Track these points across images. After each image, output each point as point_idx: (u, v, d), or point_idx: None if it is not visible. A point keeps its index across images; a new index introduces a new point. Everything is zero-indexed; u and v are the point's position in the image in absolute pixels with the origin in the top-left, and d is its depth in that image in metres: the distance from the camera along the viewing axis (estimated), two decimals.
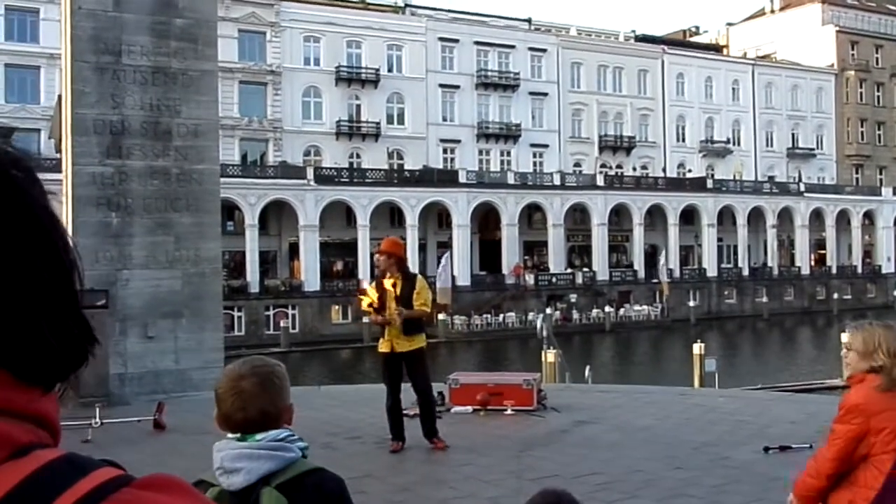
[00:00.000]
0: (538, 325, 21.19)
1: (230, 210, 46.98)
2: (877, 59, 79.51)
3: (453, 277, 51.25)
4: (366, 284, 8.92)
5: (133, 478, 0.64)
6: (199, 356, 13.72)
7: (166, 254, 13.63)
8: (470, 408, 10.84)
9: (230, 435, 2.37)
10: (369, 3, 63.25)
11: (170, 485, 0.64)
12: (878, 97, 79.05)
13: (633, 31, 75.25)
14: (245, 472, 2.26)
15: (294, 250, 53.94)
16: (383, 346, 8.91)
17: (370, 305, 8.82)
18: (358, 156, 58.53)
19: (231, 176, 44.35)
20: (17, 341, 0.65)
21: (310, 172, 52.68)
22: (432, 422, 8.89)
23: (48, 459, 0.62)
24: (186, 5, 13.98)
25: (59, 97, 15.17)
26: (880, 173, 78.45)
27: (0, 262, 0.65)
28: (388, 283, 8.84)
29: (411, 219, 55.11)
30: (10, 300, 0.65)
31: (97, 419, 9.70)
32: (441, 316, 51.04)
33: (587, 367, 22.28)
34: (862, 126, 77.80)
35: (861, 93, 77.92)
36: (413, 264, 54.60)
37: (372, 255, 54.89)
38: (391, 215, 56.84)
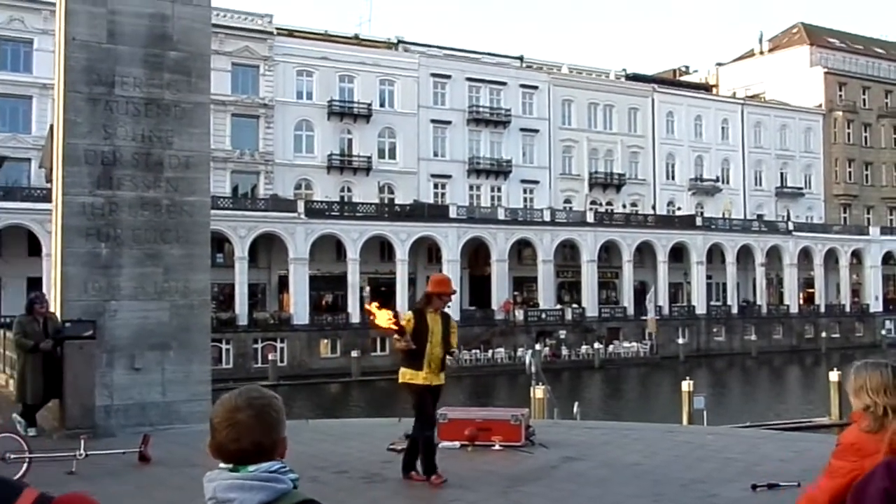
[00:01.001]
0: (527, 361, 21.22)
1: (220, 242, 46.96)
2: (864, 100, 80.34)
3: None
4: (373, 306, 8.88)
5: (51, 496, 0.68)
6: (187, 388, 13.63)
7: (155, 285, 13.58)
8: (458, 443, 10.78)
9: (222, 465, 2.36)
10: (362, 39, 63.72)
11: (82, 501, 0.67)
12: (866, 137, 79.77)
13: (624, 70, 75.87)
14: (238, 502, 2.26)
15: (283, 283, 53.87)
16: (420, 379, 8.92)
17: (396, 326, 8.74)
18: (349, 190, 58.65)
19: (222, 208, 44.43)
20: None
21: (300, 206, 52.75)
22: (433, 456, 8.89)
23: None
24: (181, 38, 14.04)
25: (51, 127, 15.19)
26: (868, 213, 79.00)
27: None
28: (430, 317, 8.98)
29: (401, 253, 55.16)
30: None
31: (82, 451, 9.61)
32: None
33: (576, 404, 22.26)
34: (849, 166, 78.45)
35: (849, 133, 78.65)
36: (403, 300, 54.79)
37: (362, 288, 54.86)
38: (381, 249, 56.90)
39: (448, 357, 9.05)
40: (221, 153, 49.63)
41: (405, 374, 8.98)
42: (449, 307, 9.32)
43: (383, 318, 8.81)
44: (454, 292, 9.24)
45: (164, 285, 13.63)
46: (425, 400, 8.99)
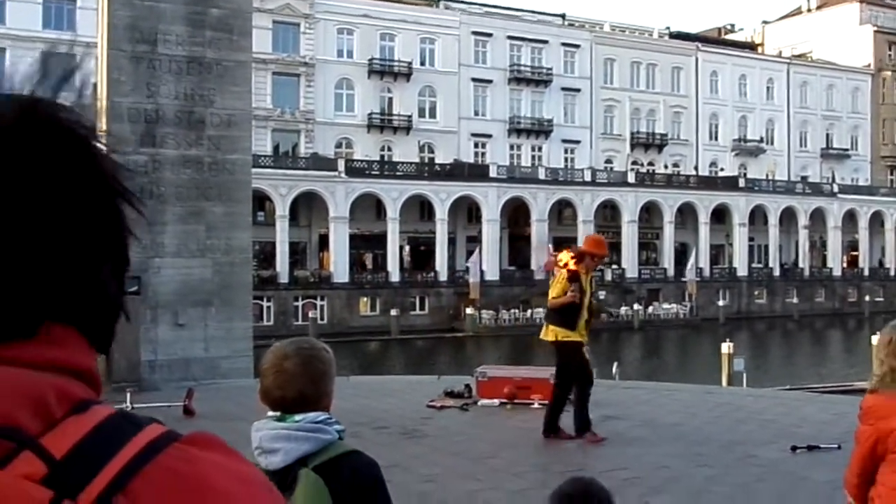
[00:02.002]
0: None
1: (261, 201, 47.23)
2: None
3: (482, 272, 51.35)
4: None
5: (179, 434, 0.68)
6: (228, 345, 13.84)
7: (197, 242, 13.75)
8: (497, 401, 10.86)
9: (269, 413, 2.42)
10: None
11: (212, 442, 0.69)
12: None
13: (668, 28, 74.80)
14: (283, 452, 2.31)
15: (324, 242, 54.16)
16: (577, 336, 9.05)
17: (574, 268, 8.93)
18: (389, 149, 58.62)
19: (263, 167, 44.59)
20: (84, 300, 0.69)
21: (341, 164, 52.85)
22: (558, 416, 8.97)
23: (107, 415, 0.66)
24: None
25: (94, 85, 15.32)
26: None
27: (65, 223, 0.66)
28: (583, 277, 9.08)
29: (441, 213, 55.16)
30: (78, 258, 0.68)
31: (128, 404, 9.81)
32: (469, 310, 51.11)
33: (615, 364, 22.22)
34: None
35: None
36: (442, 258, 54.91)
37: (402, 248, 55.05)
38: (421, 209, 56.92)
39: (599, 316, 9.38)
40: (262, 112, 49.75)
41: (558, 333, 8.98)
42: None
43: (566, 256, 9.08)
44: (607, 255, 9.25)
45: (206, 242, 13.80)
46: (584, 356, 9.11)
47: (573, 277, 8.93)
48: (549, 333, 9.03)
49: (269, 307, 48.13)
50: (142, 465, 0.63)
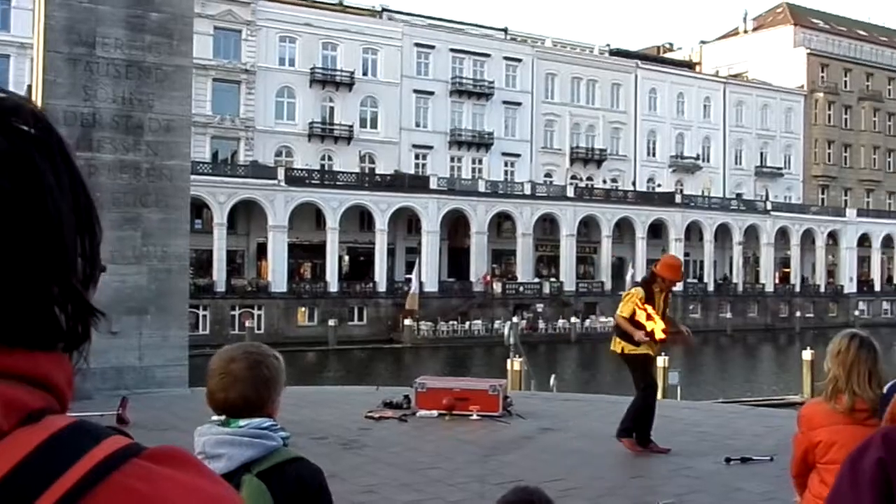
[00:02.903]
0: (506, 333, 21.29)
1: (199, 208, 46.68)
2: (845, 82, 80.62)
3: (421, 284, 51.37)
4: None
5: (142, 448, 0.62)
6: (164, 353, 13.61)
7: (133, 249, 13.51)
8: (436, 412, 10.83)
9: (213, 418, 2.38)
10: (346, 6, 63.16)
11: (181, 459, 0.63)
12: (846, 120, 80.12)
13: (608, 45, 75.72)
14: (227, 458, 2.27)
15: (262, 251, 53.71)
16: (647, 349, 9.16)
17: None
18: (330, 158, 58.38)
19: (201, 174, 44.10)
20: (8, 303, 0.64)
21: (281, 173, 52.50)
22: (631, 422, 8.99)
23: (60, 426, 0.61)
24: (163, 0, 13.90)
25: (29, 87, 15.02)
26: (845, 194, 79.49)
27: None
28: (657, 296, 9.23)
29: (381, 223, 55.09)
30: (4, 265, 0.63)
31: None
32: (407, 321, 51.07)
33: (552, 376, 22.38)
34: (829, 147, 78.82)
35: (829, 115, 78.94)
36: (381, 269, 54.79)
37: (341, 258, 54.84)
38: (361, 219, 56.80)
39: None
40: (201, 118, 49.17)
41: (624, 346, 9.13)
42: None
43: (658, 329, 9.09)
44: (680, 280, 9.31)
45: (142, 249, 13.57)
46: (647, 369, 9.34)
47: (648, 298, 9.14)
48: (616, 345, 9.27)
49: (205, 316, 47.52)
50: (94, 484, 0.57)
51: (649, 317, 9.02)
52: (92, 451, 0.59)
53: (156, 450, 0.62)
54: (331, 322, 50.11)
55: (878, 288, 75.67)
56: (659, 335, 9.02)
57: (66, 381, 0.68)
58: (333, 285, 53.45)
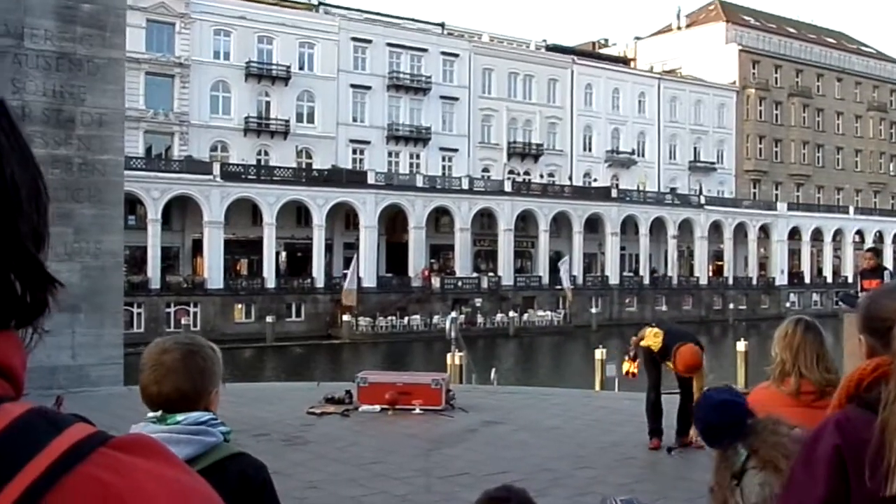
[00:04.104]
0: (447, 327, 21.28)
1: (132, 204, 45.83)
2: (776, 78, 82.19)
3: (359, 279, 51.11)
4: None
5: (109, 436, 0.59)
6: (98, 352, 13.34)
7: (65, 246, 13.19)
8: (378, 407, 10.77)
9: (150, 414, 2.27)
10: (282, 0, 62.56)
11: (150, 448, 0.59)
12: (777, 115, 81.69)
13: (545, 41, 76.14)
14: None
15: (198, 247, 52.98)
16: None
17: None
18: (266, 153, 57.80)
19: (134, 169, 43.35)
20: None
21: (216, 168, 51.84)
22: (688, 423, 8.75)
23: (18, 414, 0.56)
24: None
25: None
26: (776, 189, 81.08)
27: None
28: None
29: (318, 219, 54.72)
30: None
31: None
32: (346, 317, 50.83)
33: (493, 369, 22.44)
34: (760, 143, 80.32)
35: (760, 110, 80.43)
36: (319, 264, 54.41)
37: (278, 253, 54.40)
38: (298, 214, 56.36)
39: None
40: (134, 112, 48.31)
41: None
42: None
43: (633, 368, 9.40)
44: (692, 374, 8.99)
45: (74, 246, 13.27)
46: (655, 364, 9.30)
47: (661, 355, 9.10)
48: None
49: (139, 314, 46.68)
50: (60, 476, 0.53)
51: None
52: (55, 441, 0.55)
53: (124, 438, 0.59)
54: (268, 318, 49.66)
55: (808, 280, 77.38)
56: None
57: (20, 363, 0.64)
58: (271, 281, 52.96)
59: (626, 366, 9.53)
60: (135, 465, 0.56)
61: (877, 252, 14.99)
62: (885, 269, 14.40)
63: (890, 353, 1.72)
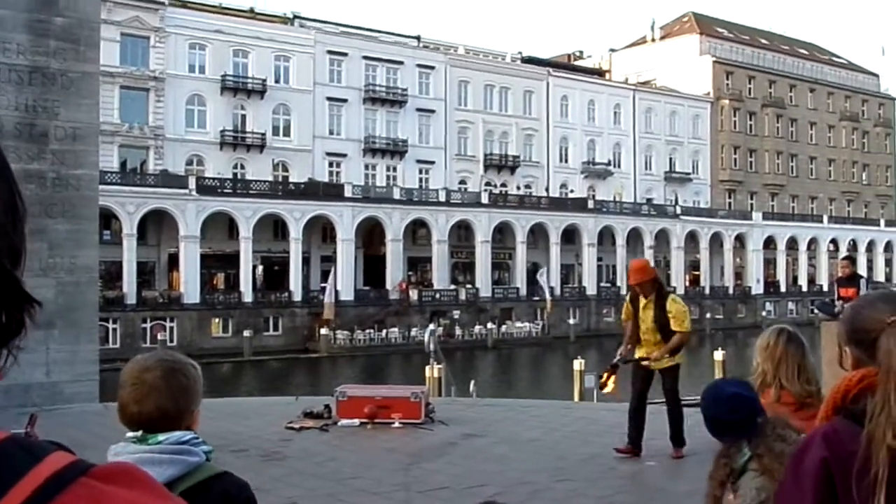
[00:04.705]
0: (426, 339, 21.23)
1: (107, 219, 45.51)
2: (749, 89, 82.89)
3: (337, 292, 50.99)
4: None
5: (90, 465, 0.55)
6: (73, 368, 13.19)
7: (39, 261, 13.03)
8: (357, 421, 10.70)
9: (129, 434, 2.22)
10: (258, 13, 62.47)
11: (132, 477, 0.57)
12: (751, 126, 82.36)
13: (520, 53, 76.44)
14: None
15: (174, 261, 52.67)
16: (640, 352, 9.02)
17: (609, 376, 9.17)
18: (242, 167, 57.60)
19: (109, 183, 43.06)
20: None
21: (192, 182, 51.59)
22: (679, 430, 8.82)
23: None
24: (68, 4, 13.49)
25: None
26: (751, 198, 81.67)
27: None
28: (642, 303, 8.98)
29: (295, 232, 54.55)
30: None
31: None
32: (323, 331, 50.64)
33: (472, 382, 22.41)
34: (735, 153, 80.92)
35: (735, 121, 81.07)
36: (296, 278, 54.19)
37: (255, 267, 54.13)
38: (275, 228, 56.17)
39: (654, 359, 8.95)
40: (109, 126, 47.99)
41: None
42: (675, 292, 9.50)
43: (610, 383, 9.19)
44: (638, 280, 8.99)
45: (48, 261, 13.12)
46: (639, 374, 9.07)
47: (632, 299, 9.14)
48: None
49: (115, 329, 46.36)
50: None
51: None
52: (34, 470, 0.52)
53: (104, 468, 0.56)
54: (246, 333, 49.40)
55: (783, 289, 77.93)
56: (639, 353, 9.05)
57: None
58: (248, 295, 52.72)
59: (604, 379, 9.40)
60: (117, 495, 0.53)
61: (852, 260, 15.12)
62: (861, 277, 14.54)
63: (875, 364, 1.71)
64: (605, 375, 9.33)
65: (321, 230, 58.07)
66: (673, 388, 9.10)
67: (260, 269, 55.81)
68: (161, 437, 2.17)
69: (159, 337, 46.97)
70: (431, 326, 46.13)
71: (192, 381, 2.29)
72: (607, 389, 9.32)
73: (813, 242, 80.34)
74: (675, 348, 8.93)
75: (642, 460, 8.52)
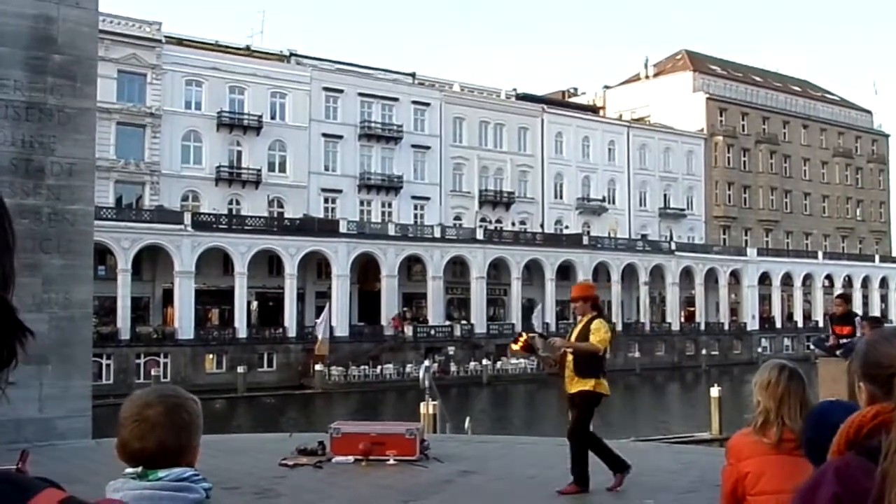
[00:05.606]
0: (420, 375, 21.06)
1: (102, 254, 45.51)
2: (743, 125, 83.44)
3: (331, 328, 50.86)
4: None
5: (82, 502, 0.56)
6: (66, 404, 13.09)
7: (33, 296, 12.99)
8: (352, 457, 10.61)
9: (129, 470, 2.19)
10: (254, 51, 62.86)
11: None
12: (745, 162, 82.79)
13: (515, 90, 76.87)
14: None
15: (168, 297, 52.55)
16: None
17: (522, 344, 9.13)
18: (238, 203, 57.68)
19: (105, 219, 43.16)
20: None
21: (187, 218, 51.61)
22: (579, 466, 8.64)
23: None
24: (66, 41, 13.55)
25: None
26: (746, 234, 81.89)
27: None
28: (577, 324, 9.08)
29: (290, 268, 54.51)
30: None
31: None
32: (318, 367, 50.44)
33: (467, 419, 22.25)
34: (729, 189, 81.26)
35: (729, 157, 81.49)
36: (291, 314, 54.05)
37: (249, 303, 54.02)
38: (270, 264, 56.12)
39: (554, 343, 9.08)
40: (105, 162, 48.12)
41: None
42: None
43: (518, 345, 9.20)
44: (576, 298, 9.15)
45: (42, 296, 13.06)
46: (569, 408, 9.07)
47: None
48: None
49: (108, 364, 46.19)
50: None
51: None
52: None
53: None
54: (240, 369, 49.19)
55: (778, 325, 77.90)
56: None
57: None
58: (242, 331, 52.56)
59: (518, 341, 9.29)
60: None
61: (846, 298, 15.10)
62: (856, 314, 14.53)
63: (891, 400, 1.69)
64: (522, 339, 9.26)
65: (316, 266, 58.04)
66: (577, 418, 8.83)
67: (254, 304, 55.70)
68: (161, 473, 2.15)
69: (153, 373, 46.73)
70: (427, 363, 46.07)
71: (194, 416, 2.28)
72: (515, 347, 9.36)
73: (808, 278, 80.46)
74: (582, 354, 8.81)
75: (639, 498, 8.44)
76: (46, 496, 0.54)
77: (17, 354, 0.62)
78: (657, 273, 70.92)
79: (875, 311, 74.69)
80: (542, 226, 69.43)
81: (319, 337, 46.86)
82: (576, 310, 9.27)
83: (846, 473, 1.69)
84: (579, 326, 9.03)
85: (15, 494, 0.51)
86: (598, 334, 8.80)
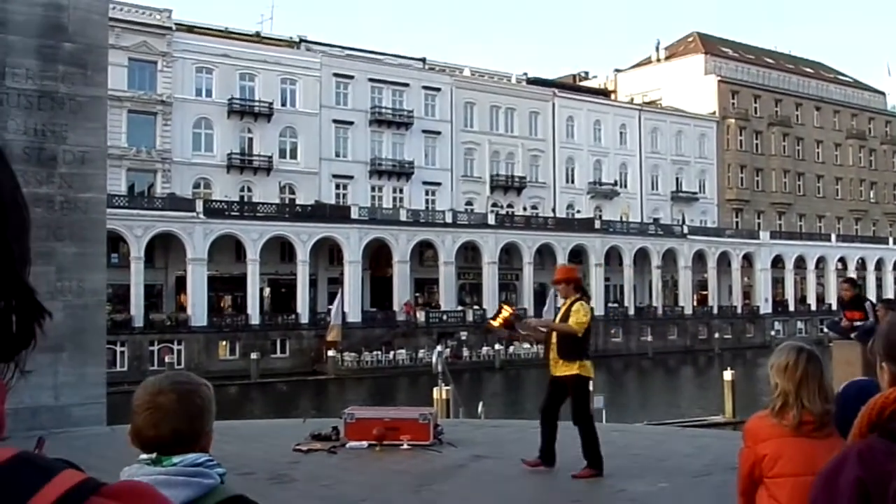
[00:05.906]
0: (433, 361, 21.11)
1: (115, 242, 45.65)
2: (755, 108, 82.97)
3: (344, 314, 50.93)
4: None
5: (100, 483, 0.55)
6: (81, 391, 13.16)
7: (47, 284, 13.04)
8: (365, 443, 10.64)
9: (143, 456, 2.20)
10: (264, 37, 62.81)
11: (143, 496, 0.56)
12: (757, 145, 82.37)
13: (525, 74, 76.63)
14: None
15: (181, 284, 52.73)
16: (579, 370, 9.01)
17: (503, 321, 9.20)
18: (249, 189, 57.75)
19: (117, 207, 43.25)
20: None
21: (199, 205, 51.72)
22: (590, 450, 8.73)
23: (3, 460, 0.53)
24: (76, 30, 13.55)
25: None
26: (758, 217, 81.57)
27: None
28: (561, 309, 9.09)
29: (302, 254, 54.60)
30: None
31: None
32: (331, 352, 50.58)
33: (480, 403, 22.31)
34: (741, 172, 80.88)
35: (741, 140, 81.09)
36: (304, 300, 54.18)
37: (262, 289, 54.18)
38: (282, 250, 56.21)
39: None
40: (117, 150, 48.20)
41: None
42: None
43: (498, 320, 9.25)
44: (558, 280, 9.20)
45: (56, 284, 13.11)
46: (549, 388, 9.27)
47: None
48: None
49: (122, 352, 46.41)
50: None
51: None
52: (45, 489, 0.52)
53: (115, 486, 0.56)
54: (253, 355, 49.37)
55: (791, 308, 77.66)
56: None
57: (1, 403, 0.58)
58: (255, 318, 52.72)
59: (498, 315, 9.38)
60: None
61: (853, 282, 14.95)
62: (867, 299, 14.42)
63: None
64: (503, 315, 9.29)
65: (328, 252, 58.12)
66: (577, 404, 8.98)
67: (267, 291, 55.84)
68: (175, 459, 2.15)
69: (167, 360, 46.98)
70: (439, 348, 46.13)
71: (207, 402, 2.28)
72: (494, 323, 9.37)
73: (821, 261, 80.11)
74: (564, 337, 8.84)
75: (654, 482, 8.45)
76: (65, 477, 0.54)
77: (35, 336, 0.63)
78: (669, 257, 70.75)
79: (889, 294, 74.36)
80: (553, 210, 69.30)
81: (332, 323, 46.96)
82: (559, 292, 9.30)
83: (869, 456, 1.68)
84: (563, 309, 9.07)
85: (34, 475, 0.51)
86: (577, 316, 8.83)
